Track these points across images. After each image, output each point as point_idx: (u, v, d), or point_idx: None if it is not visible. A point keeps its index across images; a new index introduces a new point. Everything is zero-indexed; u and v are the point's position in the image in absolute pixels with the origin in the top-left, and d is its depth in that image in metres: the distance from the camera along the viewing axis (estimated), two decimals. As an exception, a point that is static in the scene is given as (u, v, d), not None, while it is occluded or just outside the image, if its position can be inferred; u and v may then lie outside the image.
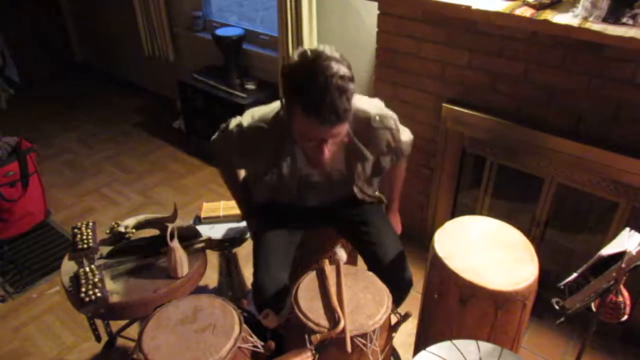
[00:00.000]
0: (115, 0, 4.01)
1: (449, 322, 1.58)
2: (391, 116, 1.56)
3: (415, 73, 2.24)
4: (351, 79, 1.28)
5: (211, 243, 1.85)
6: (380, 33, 2.27)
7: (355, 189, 1.63)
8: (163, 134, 3.73)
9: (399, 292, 1.56)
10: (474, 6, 1.83)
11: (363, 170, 1.58)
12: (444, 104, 2.17)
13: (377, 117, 1.51)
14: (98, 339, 1.80)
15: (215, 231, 1.99)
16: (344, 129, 1.33)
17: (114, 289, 1.58)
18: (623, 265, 1.22)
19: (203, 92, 3.21)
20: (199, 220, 2.06)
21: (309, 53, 1.28)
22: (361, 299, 1.43)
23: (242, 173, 1.85)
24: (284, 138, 1.48)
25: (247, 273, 2.10)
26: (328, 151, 1.35)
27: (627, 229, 1.31)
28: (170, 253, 1.62)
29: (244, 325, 1.38)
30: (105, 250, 1.73)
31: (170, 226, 1.64)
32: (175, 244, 1.62)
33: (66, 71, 4.65)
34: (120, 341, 2.09)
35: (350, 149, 1.52)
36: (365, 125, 1.50)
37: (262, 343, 1.39)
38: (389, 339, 1.47)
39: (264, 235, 1.68)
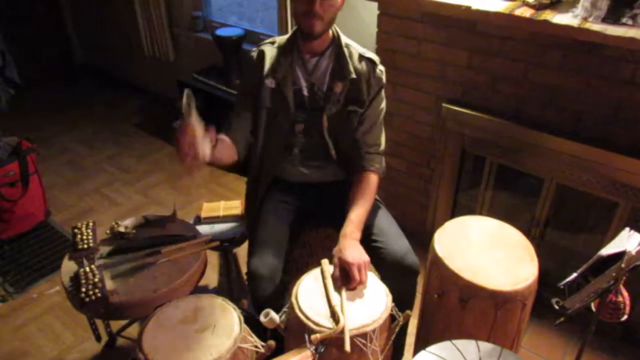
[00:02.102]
0: (115, 0, 4.01)
1: (449, 322, 1.58)
2: (385, 82, 1.71)
3: (415, 73, 2.24)
4: None
5: (211, 243, 1.85)
6: (380, 33, 2.27)
7: (325, 115, 1.66)
8: (163, 134, 3.73)
9: (403, 281, 1.57)
10: (474, 6, 1.84)
11: (339, 93, 1.64)
12: (443, 104, 2.17)
13: (381, 69, 1.68)
14: (98, 339, 1.80)
15: (215, 231, 1.99)
16: None
17: (114, 289, 1.58)
18: (623, 265, 1.22)
19: (203, 92, 3.21)
20: (199, 220, 2.06)
21: None
22: (361, 298, 1.43)
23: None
24: (287, 50, 1.65)
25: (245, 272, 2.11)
26: (319, 5, 1.47)
27: (627, 229, 1.31)
28: (186, 130, 1.36)
29: (244, 325, 1.38)
30: (105, 250, 1.73)
31: (186, 92, 1.34)
32: (194, 117, 1.34)
33: (66, 71, 4.65)
34: (120, 341, 2.09)
35: (337, 66, 1.64)
36: (367, 65, 1.66)
37: (262, 343, 1.39)
38: (389, 339, 1.47)
39: (261, 226, 1.70)
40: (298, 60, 1.66)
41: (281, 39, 1.70)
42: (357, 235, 1.54)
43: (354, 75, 1.63)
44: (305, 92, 1.68)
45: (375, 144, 1.71)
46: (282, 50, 1.66)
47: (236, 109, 1.75)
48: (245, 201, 1.93)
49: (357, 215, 1.56)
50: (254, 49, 1.72)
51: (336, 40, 1.65)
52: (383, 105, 1.73)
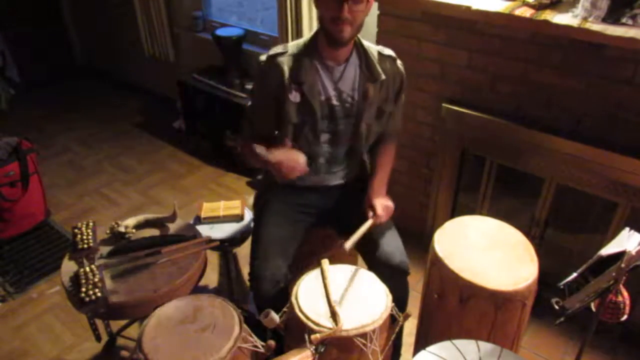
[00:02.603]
0: (115, 0, 4.01)
1: (449, 322, 1.58)
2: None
3: (415, 73, 2.24)
4: None
5: (211, 243, 1.85)
6: (380, 33, 2.27)
7: (363, 126, 1.66)
8: (163, 134, 3.73)
9: (394, 281, 1.57)
10: (474, 6, 1.84)
11: (372, 97, 1.63)
12: (443, 104, 2.17)
13: (400, 63, 1.70)
14: (98, 339, 1.80)
15: (215, 231, 1.99)
16: None
17: (114, 289, 1.58)
18: (623, 265, 1.22)
19: (203, 92, 3.21)
20: (199, 220, 2.06)
21: None
22: (361, 298, 1.43)
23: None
24: (308, 59, 1.58)
25: (247, 273, 2.11)
26: (348, 10, 1.44)
27: (627, 229, 1.31)
28: (279, 164, 1.55)
29: (244, 325, 1.38)
30: (105, 250, 1.73)
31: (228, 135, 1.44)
32: (271, 155, 1.54)
33: (66, 71, 4.65)
34: (120, 341, 2.09)
35: (365, 70, 1.61)
36: (389, 62, 1.66)
37: (262, 343, 1.39)
38: (389, 339, 1.47)
39: (264, 226, 1.69)
40: (323, 68, 1.59)
41: (294, 46, 1.62)
42: (384, 188, 1.70)
43: (383, 76, 1.61)
44: (335, 101, 1.62)
45: (396, 130, 1.82)
46: (303, 58, 1.58)
47: (255, 121, 1.70)
48: (254, 206, 1.90)
49: (381, 177, 1.72)
50: (263, 58, 1.63)
51: (357, 44, 1.62)
52: (404, 95, 1.77)
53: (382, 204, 1.62)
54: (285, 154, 1.49)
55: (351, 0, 1.43)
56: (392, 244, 1.65)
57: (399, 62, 1.69)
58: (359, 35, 1.62)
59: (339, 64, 1.60)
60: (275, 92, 1.61)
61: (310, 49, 1.59)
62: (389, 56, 1.67)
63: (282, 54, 1.61)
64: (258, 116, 1.71)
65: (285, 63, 1.59)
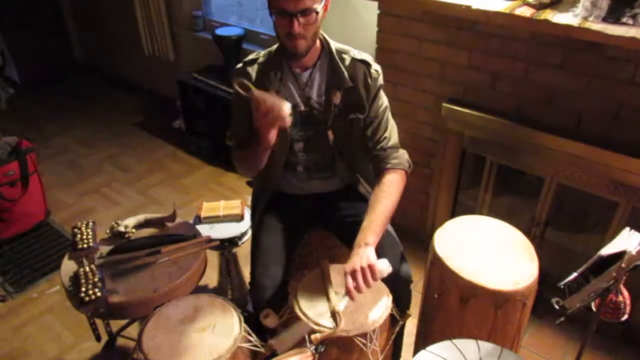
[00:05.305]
0: (115, 0, 4.01)
1: (449, 322, 1.58)
2: (382, 82, 1.63)
3: (415, 73, 2.24)
4: None
5: (211, 243, 1.85)
6: (380, 33, 2.27)
7: (329, 133, 1.61)
8: (163, 133, 3.73)
9: (398, 290, 1.56)
10: (474, 6, 1.83)
11: (339, 103, 1.57)
12: (444, 104, 2.17)
13: (376, 69, 1.60)
14: (98, 338, 1.79)
15: (215, 231, 1.99)
16: (312, 3, 1.40)
17: (114, 288, 1.57)
18: (623, 265, 1.22)
19: (203, 91, 3.21)
20: (199, 220, 2.06)
21: None
22: (361, 298, 1.42)
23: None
24: (275, 66, 1.58)
25: (247, 273, 2.11)
26: (299, 26, 1.42)
27: (627, 228, 1.31)
28: (259, 101, 1.37)
29: (244, 325, 1.38)
30: (105, 250, 1.73)
31: (235, 80, 1.39)
32: (255, 90, 1.37)
33: (66, 71, 4.65)
34: (120, 341, 2.09)
35: (331, 76, 1.57)
36: (361, 67, 1.58)
37: (262, 343, 1.39)
38: (389, 339, 1.47)
39: (262, 235, 1.69)
40: (289, 76, 1.58)
41: (266, 54, 1.63)
42: (370, 239, 1.44)
43: (350, 83, 1.56)
44: (303, 108, 1.61)
45: (382, 140, 1.61)
46: (269, 67, 1.58)
47: (236, 131, 1.68)
48: (251, 209, 1.90)
49: (369, 221, 1.48)
50: (239, 66, 1.63)
51: (325, 48, 1.58)
52: (384, 103, 1.64)
53: (350, 270, 1.37)
54: (270, 96, 1.38)
55: (300, 15, 1.40)
56: (393, 253, 1.60)
57: (374, 67, 1.59)
58: (330, 40, 1.59)
59: (305, 70, 1.58)
60: (246, 99, 1.59)
61: (277, 56, 1.59)
62: (363, 61, 1.58)
63: (253, 61, 1.62)
64: (237, 126, 1.69)
65: (254, 70, 1.60)
